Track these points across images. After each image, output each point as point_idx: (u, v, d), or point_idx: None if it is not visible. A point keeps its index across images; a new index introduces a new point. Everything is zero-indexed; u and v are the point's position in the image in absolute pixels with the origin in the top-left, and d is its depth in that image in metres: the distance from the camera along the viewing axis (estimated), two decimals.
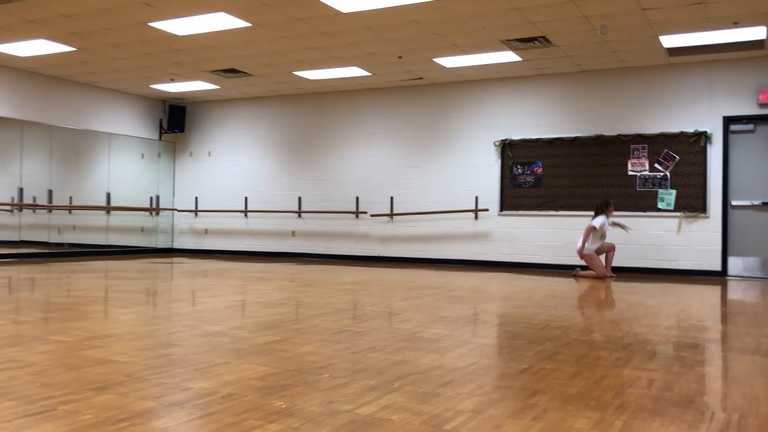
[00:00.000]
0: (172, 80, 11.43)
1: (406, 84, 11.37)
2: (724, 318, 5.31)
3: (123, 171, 12.81)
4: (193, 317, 4.80)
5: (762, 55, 9.10)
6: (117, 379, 2.94)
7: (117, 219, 12.72)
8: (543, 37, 8.44)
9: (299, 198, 12.38)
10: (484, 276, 8.96)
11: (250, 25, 8.12)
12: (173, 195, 13.65)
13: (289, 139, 12.54)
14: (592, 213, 9.64)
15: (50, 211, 11.52)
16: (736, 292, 7.46)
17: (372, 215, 11.67)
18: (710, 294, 7.12)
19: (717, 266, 9.36)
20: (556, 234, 10.31)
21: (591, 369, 3.32)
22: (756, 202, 9.27)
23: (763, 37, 8.21)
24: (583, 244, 9.02)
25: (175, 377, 2.99)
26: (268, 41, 8.86)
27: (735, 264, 9.37)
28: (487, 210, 10.78)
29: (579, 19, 7.69)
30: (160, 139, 13.42)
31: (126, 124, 12.74)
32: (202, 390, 2.78)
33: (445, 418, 2.45)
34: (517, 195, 10.60)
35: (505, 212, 10.67)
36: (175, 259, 11.48)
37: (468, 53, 9.28)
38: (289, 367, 3.24)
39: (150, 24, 8.17)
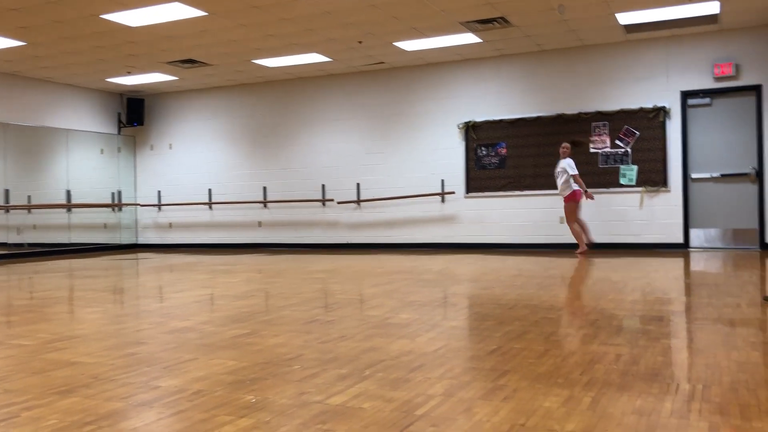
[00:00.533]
0: (129, 73, 11.21)
1: (367, 69, 11.31)
2: (688, 290, 5.42)
3: (82, 167, 12.55)
4: (160, 314, 4.74)
5: (716, 29, 9.25)
6: (82, 381, 2.88)
7: (78, 216, 12.48)
8: (502, 18, 8.45)
9: (264, 188, 12.28)
10: (452, 258, 9.00)
11: (206, 14, 7.98)
12: (135, 190, 13.43)
13: (251, 128, 12.41)
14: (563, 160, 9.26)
15: (8, 211, 11.25)
16: (698, 263, 7.62)
17: (339, 202, 11.64)
18: (673, 266, 7.26)
19: (679, 239, 9.54)
20: (522, 214, 10.40)
21: (559, 347, 3.36)
22: (715, 174, 9.46)
23: (717, 11, 8.33)
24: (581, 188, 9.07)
25: (142, 376, 2.95)
26: (225, 30, 8.73)
27: (696, 236, 9.56)
28: (453, 193, 10.82)
29: None
30: (119, 133, 13.17)
31: (83, 120, 12.47)
32: (171, 388, 2.74)
33: (416, 403, 2.45)
34: (482, 177, 10.65)
35: (471, 194, 10.72)
36: (140, 255, 11.32)
37: (428, 36, 9.26)
38: (259, 360, 3.22)
39: (102, 16, 7.97)
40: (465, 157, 10.77)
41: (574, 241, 10.02)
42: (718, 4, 8.03)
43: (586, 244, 9.20)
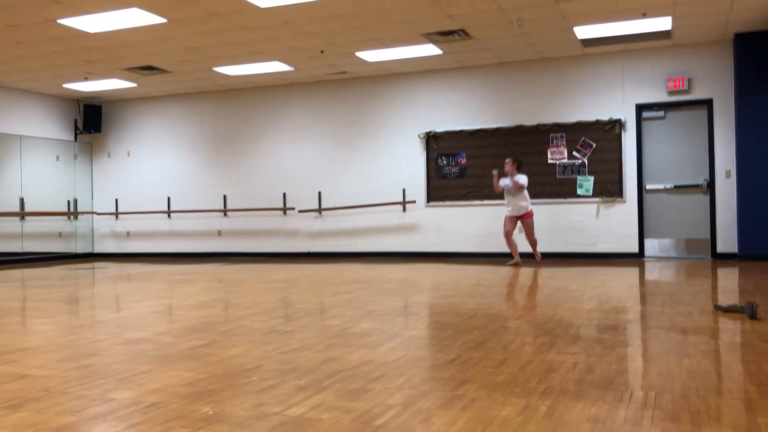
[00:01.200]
0: (86, 79, 11.01)
1: (329, 78, 11.32)
2: (642, 299, 5.53)
3: (37, 174, 12.26)
4: (116, 324, 4.66)
5: (670, 44, 9.50)
6: (33, 394, 2.81)
7: (32, 225, 12.18)
8: (462, 30, 8.55)
9: (224, 196, 12.16)
10: (413, 267, 9.04)
11: (165, 20, 7.90)
12: (92, 198, 13.18)
13: (212, 136, 12.30)
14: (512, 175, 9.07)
15: None
16: (653, 272, 7.79)
17: (300, 211, 11.59)
18: (629, 276, 7.40)
19: (634, 248, 9.74)
20: (482, 223, 10.50)
21: (517, 355, 3.40)
22: (668, 186, 9.69)
23: (669, 27, 8.57)
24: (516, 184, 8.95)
25: (96, 389, 2.89)
26: (185, 37, 8.64)
27: (651, 245, 9.77)
28: (414, 202, 10.87)
29: (496, 12, 7.83)
30: (75, 140, 12.92)
31: (38, 126, 12.20)
32: (126, 400, 2.69)
33: (374, 414, 2.46)
34: (442, 186, 10.73)
35: (432, 203, 10.79)
36: (97, 264, 11.09)
37: (390, 47, 9.31)
38: (217, 371, 3.18)
39: (59, 21, 7.83)
40: (426, 166, 10.84)
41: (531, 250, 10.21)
42: (670, 20, 8.26)
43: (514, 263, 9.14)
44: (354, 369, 3.17)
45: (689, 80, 9.49)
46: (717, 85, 9.41)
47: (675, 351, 3.45)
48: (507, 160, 9.15)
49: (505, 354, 3.44)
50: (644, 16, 8.08)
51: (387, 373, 3.07)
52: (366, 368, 3.18)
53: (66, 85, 11.50)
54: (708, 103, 9.46)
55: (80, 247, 12.96)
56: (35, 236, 12.27)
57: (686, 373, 2.97)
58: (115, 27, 8.09)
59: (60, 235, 12.73)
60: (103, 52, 9.29)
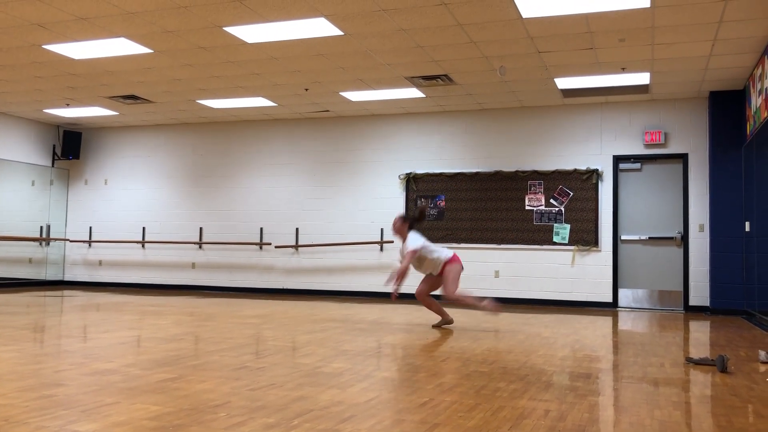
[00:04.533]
0: (68, 105, 10.96)
1: (312, 116, 11.39)
2: (615, 348, 5.54)
3: (10, 199, 12.09)
4: (83, 354, 4.55)
5: (647, 98, 9.73)
6: None
7: (2, 249, 11.96)
8: (446, 76, 8.68)
9: (200, 228, 12.07)
10: (388, 308, 8.99)
11: (151, 51, 7.93)
12: (66, 224, 13.00)
13: (191, 168, 12.25)
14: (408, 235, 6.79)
15: None
16: (626, 322, 7.82)
17: (276, 246, 11.52)
18: (602, 324, 7.43)
19: (608, 297, 9.80)
20: None
21: (489, 401, 3.37)
22: (643, 237, 9.81)
23: (647, 82, 8.78)
24: (404, 271, 6.64)
25: (58, 419, 2.81)
26: (170, 68, 8.67)
27: (625, 295, 9.83)
28: (392, 242, 10.86)
29: (480, 60, 7.97)
30: (53, 165, 12.79)
31: (15, 149, 12.07)
32: None
33: None
34: (420, 228, 10.74)
35: None
36: (66, 292, 10.88)
37: (373, 88, 9.42)
38: (184, 405, 3.12)
39: (44, 46, 7.82)
40: (405, 207, 10.88)
41: (509, 295, 10.21)
42: (648, 75, 8.47)
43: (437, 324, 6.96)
44: (324, 409, 3.12)
45: (665, 134, 9.70)
46: (692, 140, 9.62)
47: (646, 402, 3.44)
48: (395, 218, 7.06)
49: (477, 399, 3.42)
50: (623, 70, 8.29)
51: (357, 415, 3.02)
52: (336, 408, 3.13)
53: (47, 110, 11.44)
54: (683, 157, 9.66)
55: (50, 274, 12.73)
56: (4, 261, 12.03)
57: (657, 425, 2.96)
58: (101, 55, 8.10)
59: (30, 261, 12.50)
60: (87, 79, 9.27)
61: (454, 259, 6.87)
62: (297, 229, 11.46)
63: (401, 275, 6.64)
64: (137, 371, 3.96)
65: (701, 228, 9.50)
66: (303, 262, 11.42)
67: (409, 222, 6.83)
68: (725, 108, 9.21)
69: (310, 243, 11.35)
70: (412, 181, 10.86)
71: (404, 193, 10.89)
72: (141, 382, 3.65)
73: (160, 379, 3.75)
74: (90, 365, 4.13)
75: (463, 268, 6.95)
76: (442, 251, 6.87)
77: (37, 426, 2.70)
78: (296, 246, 11.40)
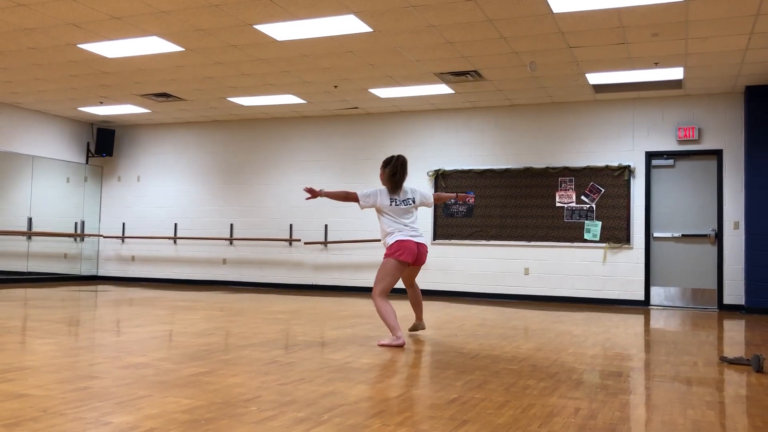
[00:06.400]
0: (101, 103, 11.15)
1: (341, 113, 11.42)
2: (647, 346, 5.47)
3: (46, 195, 12.34)
4: (116, 348, 4.63)
5: (680, 94, 9.57)
6: (30, 414, 2.79)
7: (38, 245, 12.21)
8: (475, 72, 8.64)
9: (231, 225, 12.19)
10: None
11: (183, 49, 8.02)
12: (99, 220, 13.22)
13: (221, 165, 12.38)
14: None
15: None
16: (658, 321, 7.72)
17: (306, 243, 11.59)
18: (634, 323, 7.34)
19: (640, 296, 9.67)
20: (488, 263, 10.46)
21: (519, 398, 3.36)
22: (676, 234, 9.66)
23: (681, 77, 8.64)
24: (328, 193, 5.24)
25: (94, 411, 2.86)
26: (201, 66, 8.76)
27: (657, 293, 9.70)
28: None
29: (510, 55, 7.92)
30: (87, 162, 13.02)
31: (51, 147, 12.32)
32: (123, 424, 2.66)
33: None
34: (449, 224, 10.73)
35: (438, 241, 10.77)
36: (100, 287, 11.08)
37: (403, 85, 9.41)
38: (216, 399, 3.16)
39: (79, 45, 7.96)
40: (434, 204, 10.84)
41: (539, 293, 10.16)
42: (682, 70, 8.33)
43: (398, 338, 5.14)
44: (353, 404, 3.14)
45: (699, 130, 9.53)
46: (727, 136, 9.44)
47: (679, 401, 3.40)
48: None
49: (506, 396, 3.40)
50: (656, 65, 8.16)
51: (387, 410, 3.03)
52: (366, 404, 3.15)
53: (81, 109, 11.65)
54: (718, 154, 9.48)
55: (84, 270, 12.97)
56: (40, 256, 12.29)
57: (690, 424, 2.92)
58: (134, 53, 8.21)
59: (65, 256, 12.75)
60: (120, 77, 9.42)
61: (393, 250, 5.09)
62: (326, 225, 11.51)
63: (326, 193, 5.20)
64: (169, 365, 4.02)
65: (736, 225, 9.33)
66: (331, 258, 11.47)
67: (388, 171, 5.30)
68: (762, 102, 9.02)
69: (339, 239, 11.39)
70: (440, 178, 10.84)
71: (433, 190, 10.87)
72: (173, 375, 3.71)
73: (191, 373, 3.80)
74: (124, 359, 4.21)
75: (406, 263, 5.17)
76: (395, 233, 5.16)
77: (73, 417, 2.76)
78: (325, 242, 11.45)
